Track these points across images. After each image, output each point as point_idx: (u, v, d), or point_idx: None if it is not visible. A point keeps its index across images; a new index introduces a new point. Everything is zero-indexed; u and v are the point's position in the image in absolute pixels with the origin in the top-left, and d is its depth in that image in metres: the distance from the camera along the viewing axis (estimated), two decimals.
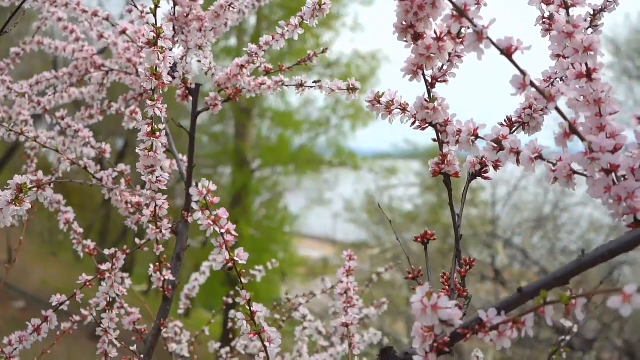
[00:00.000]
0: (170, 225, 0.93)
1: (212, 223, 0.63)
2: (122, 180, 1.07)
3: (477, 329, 0.53)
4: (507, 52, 0.52)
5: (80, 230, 1.14)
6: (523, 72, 0.51)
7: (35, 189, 0.67)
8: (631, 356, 5.74)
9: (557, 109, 0.52)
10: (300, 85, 0.97)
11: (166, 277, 0.98)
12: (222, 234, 0.63)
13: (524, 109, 0.70)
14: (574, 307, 0.46)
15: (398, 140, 10.34)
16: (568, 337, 1.11)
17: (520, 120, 0.70)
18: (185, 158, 1.13)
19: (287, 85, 0.98)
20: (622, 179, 0.53)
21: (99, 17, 1.13)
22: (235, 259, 0.64)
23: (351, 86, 0.85)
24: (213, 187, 0.63)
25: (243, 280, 0.66)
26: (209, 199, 0.63)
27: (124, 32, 1.03)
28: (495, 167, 0.69)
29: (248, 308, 0.66)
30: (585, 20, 0.69)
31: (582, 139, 0.52)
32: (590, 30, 0.73)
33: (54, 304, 0.90)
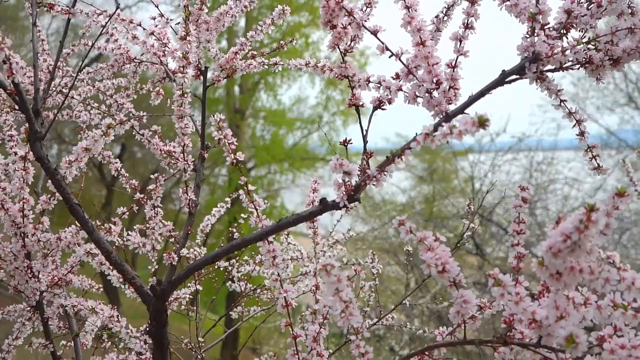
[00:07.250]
0: (193, 159, 1.41)
1: (223, 137, 1.11)
2: (156, 136, 1.55)
3: (368, 179, 1.01)
4: (374, 32, 1.00)
5: (127, 174, 1.61)
6: (382, 42, 1.00)
7: (118, 125, 1.15)
8: None
9: (401, 61, 1.00)
10: (276, 64, 1.46)
11: (191, 197, 1.46)
12: (229, 143, 1.11)
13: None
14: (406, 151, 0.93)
15: (390, 134, 10.86)
16: (469, 233, 1.58)
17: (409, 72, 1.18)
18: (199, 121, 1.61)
19: (267, 65, 1.47)
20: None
21: (133, 23, 1.60)
22: (237, 157, 1.12)
23: (308, 62, 1.32)
24: (223, 117, 1.11)
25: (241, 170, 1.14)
26: (220, 123, 1.11)
27: (152, 33, 1.51)
28: (389, 102, 1.17)
29: (246, 188, 1.14)
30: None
31: (414, 76, 1.00)
32: (446, 18, 1.21)
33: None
